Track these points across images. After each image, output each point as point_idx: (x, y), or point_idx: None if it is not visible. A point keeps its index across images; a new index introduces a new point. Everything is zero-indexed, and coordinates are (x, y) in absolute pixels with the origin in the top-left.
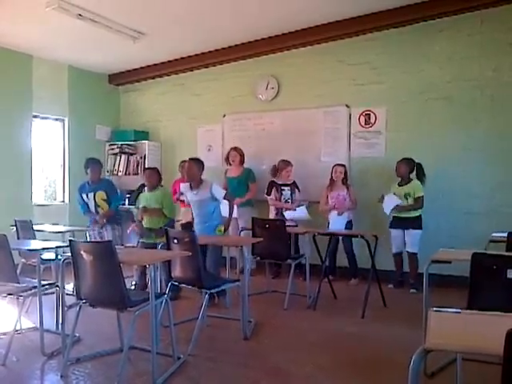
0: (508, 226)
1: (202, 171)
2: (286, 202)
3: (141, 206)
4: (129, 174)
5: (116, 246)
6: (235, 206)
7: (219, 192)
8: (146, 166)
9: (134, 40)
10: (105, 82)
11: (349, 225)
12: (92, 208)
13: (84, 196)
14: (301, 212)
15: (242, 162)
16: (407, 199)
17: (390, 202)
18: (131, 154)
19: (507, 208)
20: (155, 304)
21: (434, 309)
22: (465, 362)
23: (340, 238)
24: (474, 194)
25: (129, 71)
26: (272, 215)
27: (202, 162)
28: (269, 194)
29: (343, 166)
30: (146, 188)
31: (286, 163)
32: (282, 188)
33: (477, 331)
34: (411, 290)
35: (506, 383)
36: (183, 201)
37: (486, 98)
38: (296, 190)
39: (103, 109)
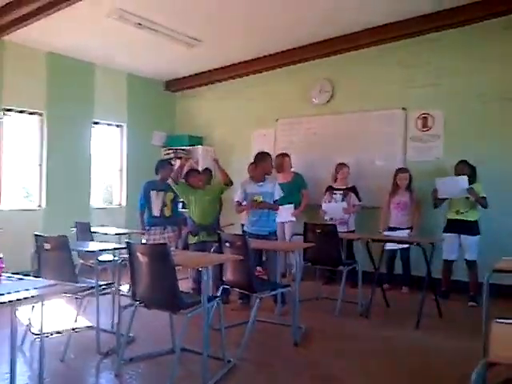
0: None
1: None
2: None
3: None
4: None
5: (172, 249)
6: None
7: (279, 191)
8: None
9: (190, 47)
10: (161, 88)
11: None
12: (156, 207)
13: (152, 193)
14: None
15: (290, 166)
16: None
17: (455, 184)
18: (186, 159)
19: None
20: (207, 307)
21: (497, 320)
22: None
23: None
24: None
25: (184, 78)
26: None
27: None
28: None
29: (407, 171)
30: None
31: (341, 165)
32: (335, 192)
33: None
34: (470, 303)
35: None
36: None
37: None
38: (352, 195)
39: (160, 115)
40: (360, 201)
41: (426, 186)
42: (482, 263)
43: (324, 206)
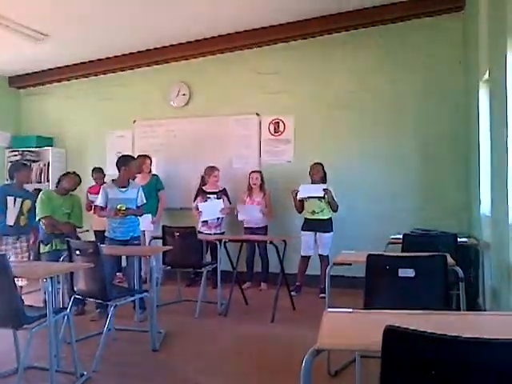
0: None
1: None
2: None
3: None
4: (31, 182)
5: (13, 260)
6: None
7: (142, 197)
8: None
9: (36, 41)
10: (4, 84)
11: (264, 230)
12: (12, 215)
13: (10, 200)
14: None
15: (150, 169)
16: (322, 202)
17: (309, 189)
18: (34, 161)
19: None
20: (55, 320)
21: (329, 309)
22: (367, 359)
23: (255, 243)
24: (375, 198)
25: (31, 74)
26: (199, 225)
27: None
28: (194, 201)
29: (259, 172)
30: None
31: (212, 168)
32: (208, 196)
33: (365, 329)
34: (321, 295)
35: (383, 379)
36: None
37: (383, 108)
38: (225, 198)
39: (2, 113)
40: (230, 203)
41: (280, 187)
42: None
43: (200, 206)
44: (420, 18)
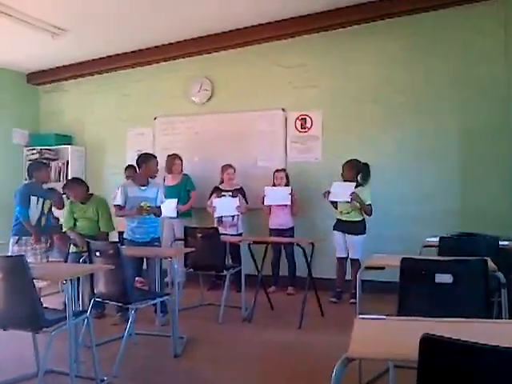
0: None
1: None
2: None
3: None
4: (49, 181)
5: (32, 261)
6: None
7: (162, 197)
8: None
9: (54, 36)
10: (22, 81)
11: (291, 231)
12: (34, 216)
13: (33, 200)
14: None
15: (181, 169)
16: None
17: (342, 189)
18: (52, 160)
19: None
20: (75, 323)
21: (360, 316)
22: (401, 369)
23: (282, 246)
24: (409, 198)
25: (50, 70)
26: (218, 224)
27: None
28: (209, 199)
29: (283, 170)
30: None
31: (226, 167)
32: (223, 194)
33: (399, 337)
34: (351, 300)
35: None
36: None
37: (416, 102)
38: (241, 197)
39: (20, 110)
40: (247, 203)
41: (307, 186)
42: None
43: (215, 201)
44: (454, 5)
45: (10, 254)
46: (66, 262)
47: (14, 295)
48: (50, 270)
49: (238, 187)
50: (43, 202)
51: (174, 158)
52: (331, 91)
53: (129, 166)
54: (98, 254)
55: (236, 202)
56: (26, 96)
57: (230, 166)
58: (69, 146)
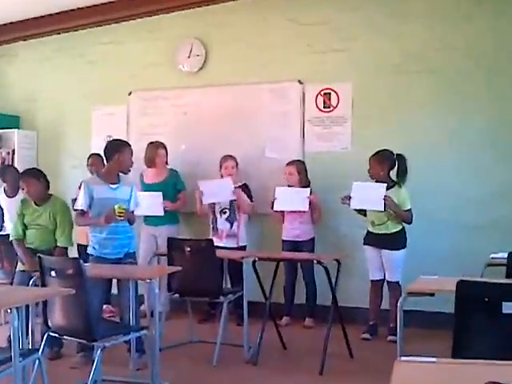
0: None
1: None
2: (223, 211)
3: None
4: None
5: None
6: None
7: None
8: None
9: None
10: None
11: (310, 245)
12: None
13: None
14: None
15: (166, 161)
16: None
17: (370, 193)
18: None
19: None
20: (22, 365)
21: (402, 358)
22: None
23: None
24: (467, 204)
25: None
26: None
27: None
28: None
29: (298, 163)
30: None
31: (225, 158)
32: None
33: None
34: (389, 337)
35: None
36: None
37: (481, 73)
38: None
39: None
40: (252, 201)
41: (331, 185)
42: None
43: (202, 183)
44: None
45: None
46: (11, 284)
47: None
48: None
49: (242, 184)
50: None
51: (156, 147)
52: (365, 57)
53: (93, 154)
54: (53, 273)
55: (230, 184)
56: None
57: (229, 157)
58: (15, 130)
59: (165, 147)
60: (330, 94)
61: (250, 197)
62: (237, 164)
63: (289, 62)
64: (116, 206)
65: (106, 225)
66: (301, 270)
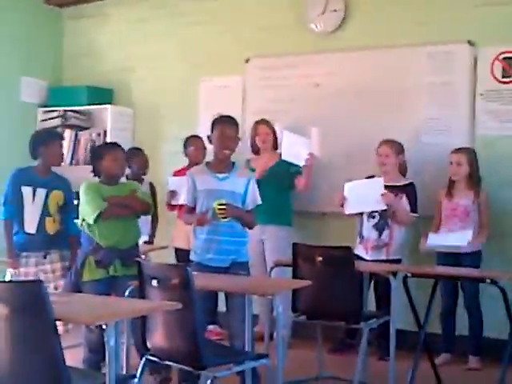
0: None
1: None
2: (371, 215)
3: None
4: (77, 163)
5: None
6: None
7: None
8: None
9: None
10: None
11: (475, 258)
12: (32, 218)
13: (26, 191)
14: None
15: (276, 145)
16: None
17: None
18: (82, 129)
19: None
20: None
21: None
22: None
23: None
24: None
25: None
26: (361, 249)
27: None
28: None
29: (466, 152)
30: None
31: (383, 143)
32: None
33: None
34: None
35: None
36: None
37: None
38: (404, 200)
39: (33, 48)
40: (416, 209)
41: (509, 181)
42: None
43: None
44: None
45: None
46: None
47: (29, 347)
48: (82, 307)
49: (407, 182)
50: (46, 195)
51: (264, 125)
52: None
53: (190, 137)
54: (155, 283)
55: (382, 183)
56: (42, 24)
57: (390, 141)
58: (108, 106)
59: (271, 125)
60: (511, 59)
61: (412, 204)
62: (399, 150)
63: (455, 17)
64: (215, 203)
65: (202, 225)
66: (462, 292)
